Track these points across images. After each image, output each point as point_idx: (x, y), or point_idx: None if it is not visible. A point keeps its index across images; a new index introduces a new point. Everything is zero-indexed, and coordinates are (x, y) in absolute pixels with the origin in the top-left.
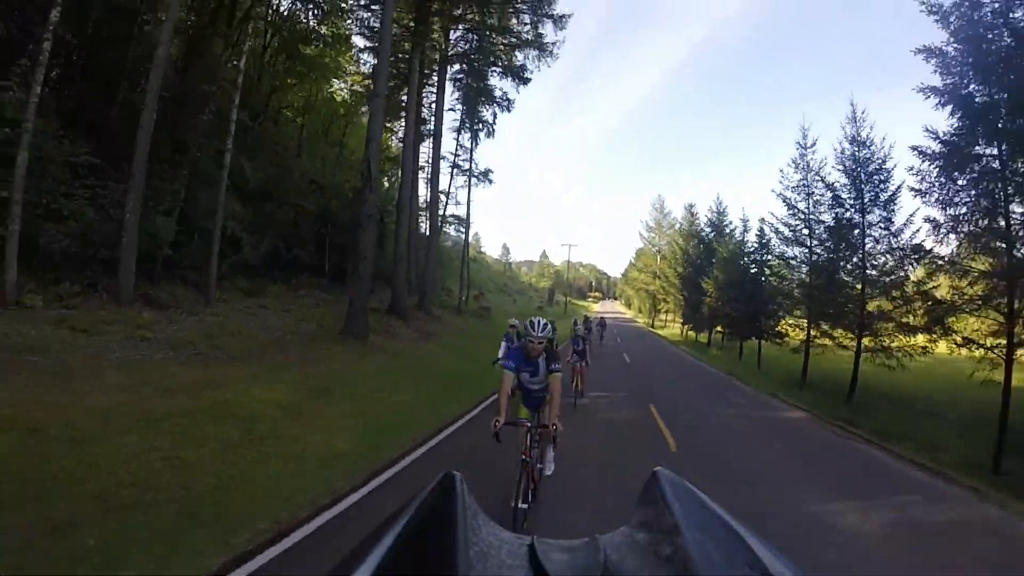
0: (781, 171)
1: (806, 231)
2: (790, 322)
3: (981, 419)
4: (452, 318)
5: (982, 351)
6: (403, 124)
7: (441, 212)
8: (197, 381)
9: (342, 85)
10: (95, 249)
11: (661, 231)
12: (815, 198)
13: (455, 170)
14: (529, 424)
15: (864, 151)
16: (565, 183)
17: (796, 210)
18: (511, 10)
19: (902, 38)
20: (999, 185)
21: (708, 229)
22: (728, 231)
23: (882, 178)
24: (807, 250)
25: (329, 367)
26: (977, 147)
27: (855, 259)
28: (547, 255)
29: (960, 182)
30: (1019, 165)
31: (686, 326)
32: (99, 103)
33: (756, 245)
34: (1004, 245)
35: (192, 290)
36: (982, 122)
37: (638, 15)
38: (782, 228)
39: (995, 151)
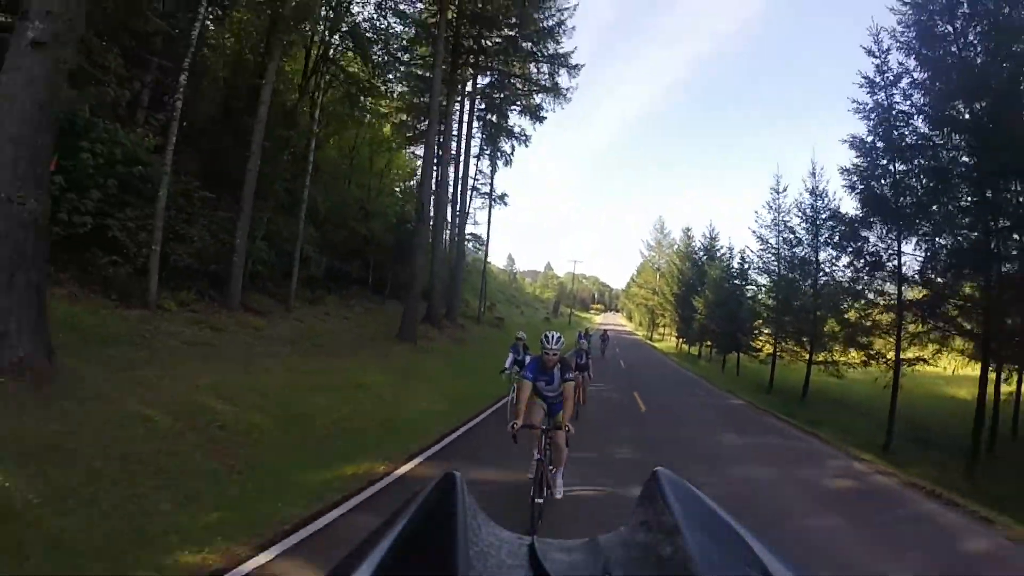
0: (756, 212)
1: (775, 263)
2: (762, 339)
3: (901, 418)
4: (473, 327)
5: (884, 364)
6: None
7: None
8: (322, 367)
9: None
10: (207, 265)
11: (661, 250)
12: (783, 235)
13: (474, 192)
14: (544, 427)
15: (820, 201)
16: (569, 193)
17: (768, 245)
18: (532, 61)
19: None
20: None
21: (701, 252)
22: (718, 255)
23: (831, 224)
24: (775, 278)
25: (398, 361)
26: (865, 231)
27: (808, 287)
28: (551, 267)
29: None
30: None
31: (680, 340)
32: (209, 148)
33: (738, 271)
34: (895, 288)
35: (272, 299)
36: (877, 208)
37: (640, 31)
38: (756, 259)
39: (881, 232)
